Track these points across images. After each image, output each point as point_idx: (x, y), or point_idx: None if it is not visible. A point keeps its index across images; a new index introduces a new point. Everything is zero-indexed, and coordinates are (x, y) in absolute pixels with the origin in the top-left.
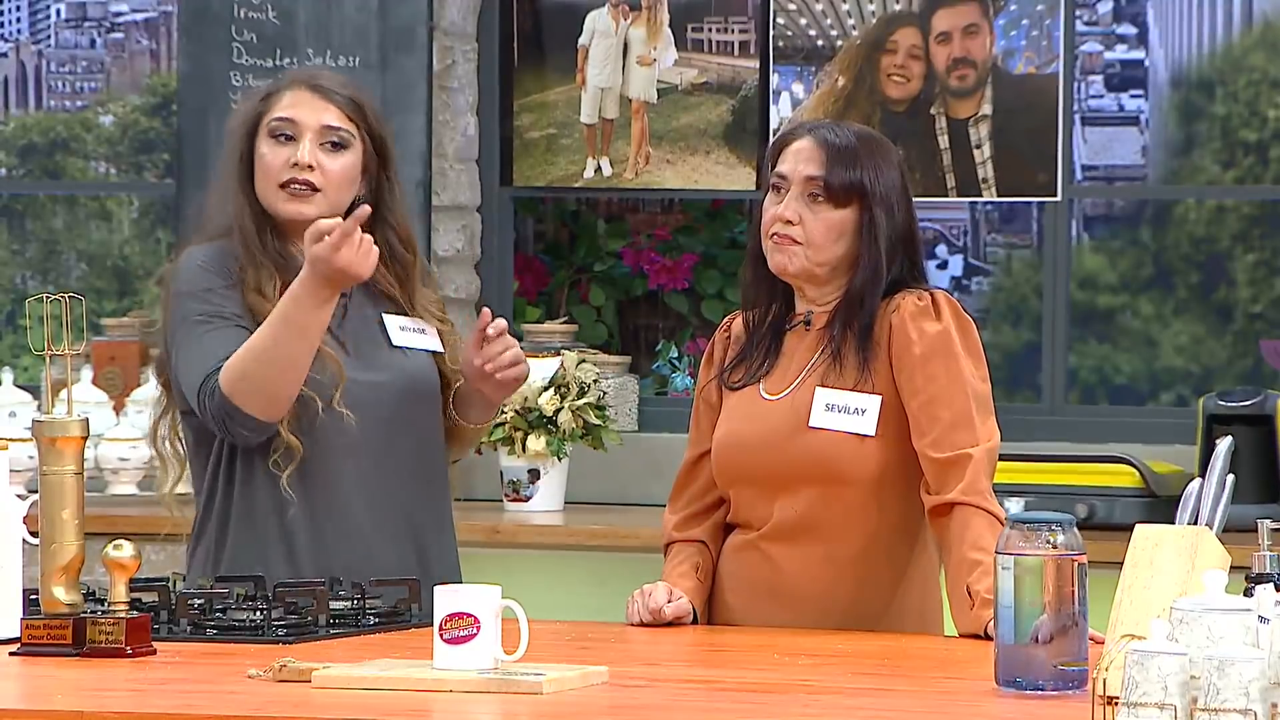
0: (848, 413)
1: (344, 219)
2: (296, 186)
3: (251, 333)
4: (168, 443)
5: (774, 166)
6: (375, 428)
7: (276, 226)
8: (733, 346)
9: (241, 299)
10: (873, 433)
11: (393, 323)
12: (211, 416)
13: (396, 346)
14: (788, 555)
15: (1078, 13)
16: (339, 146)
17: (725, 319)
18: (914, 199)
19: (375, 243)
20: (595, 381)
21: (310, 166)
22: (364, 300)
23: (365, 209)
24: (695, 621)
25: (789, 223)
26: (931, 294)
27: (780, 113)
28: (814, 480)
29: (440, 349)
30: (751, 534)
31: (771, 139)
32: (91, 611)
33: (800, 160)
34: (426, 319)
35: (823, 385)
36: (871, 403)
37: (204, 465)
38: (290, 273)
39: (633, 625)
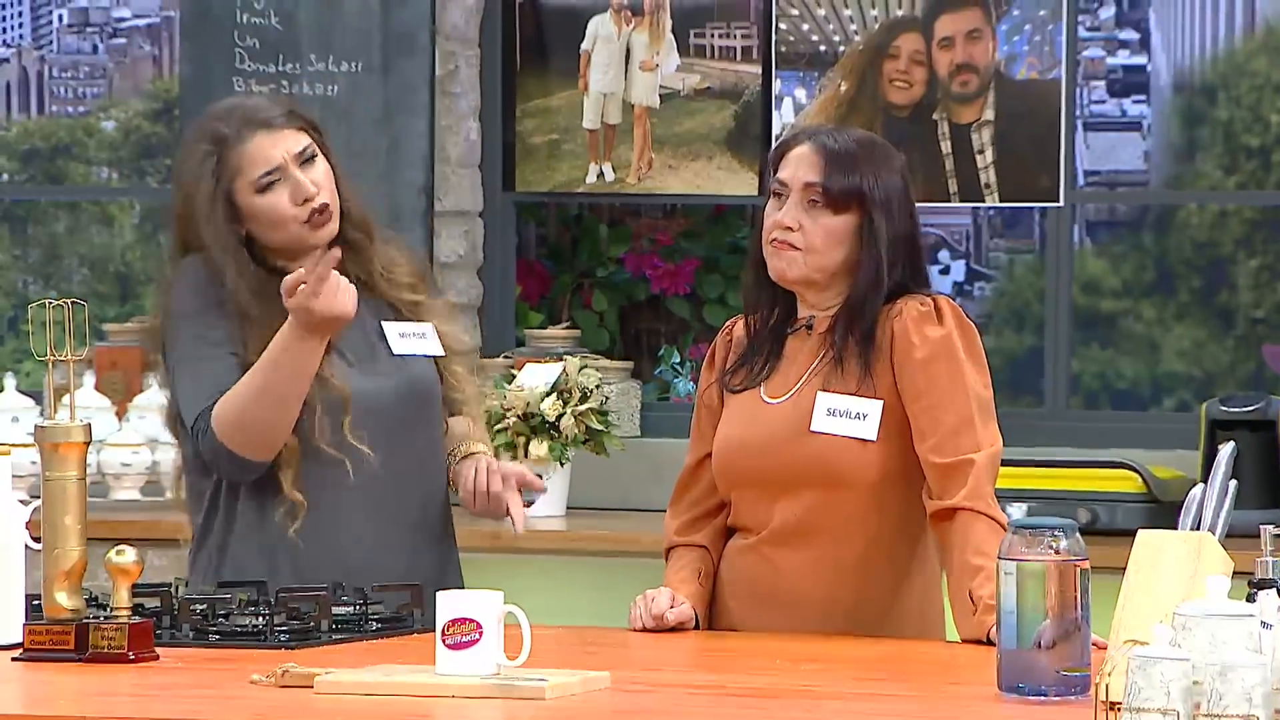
0: (849, 417)
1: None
2: (316, 215)
3: (241, 360)
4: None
5: (775, 173)
6: (376, 434)
7: (271, 272)
8: (734, 350)
9: (233, 319)
10: (874, 437)
11: (392, 330)
12: (204, 455)
13: (397, 355)
14: (788, 559)
15: (1080, 18)
16: (311, 159)
17: (727, 323)
18: (917, 204)
19: (343, 232)
20: (597, 387)
21: (317, 192)
22: (363, 309)
23: (335, 252)
24: (698, 626)
25: (788, 229)
26: (934, 299)
27: (783, 118)
28: (815, 484)
29: (440, 352)
30: (752, 538)
31: (774, 144)
32: (94, 617)
33: (800, 166)
34: (420, 311)
35: (824, 390)
36: (873, 407)
37: (206, 473)
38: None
39: (635, 631)
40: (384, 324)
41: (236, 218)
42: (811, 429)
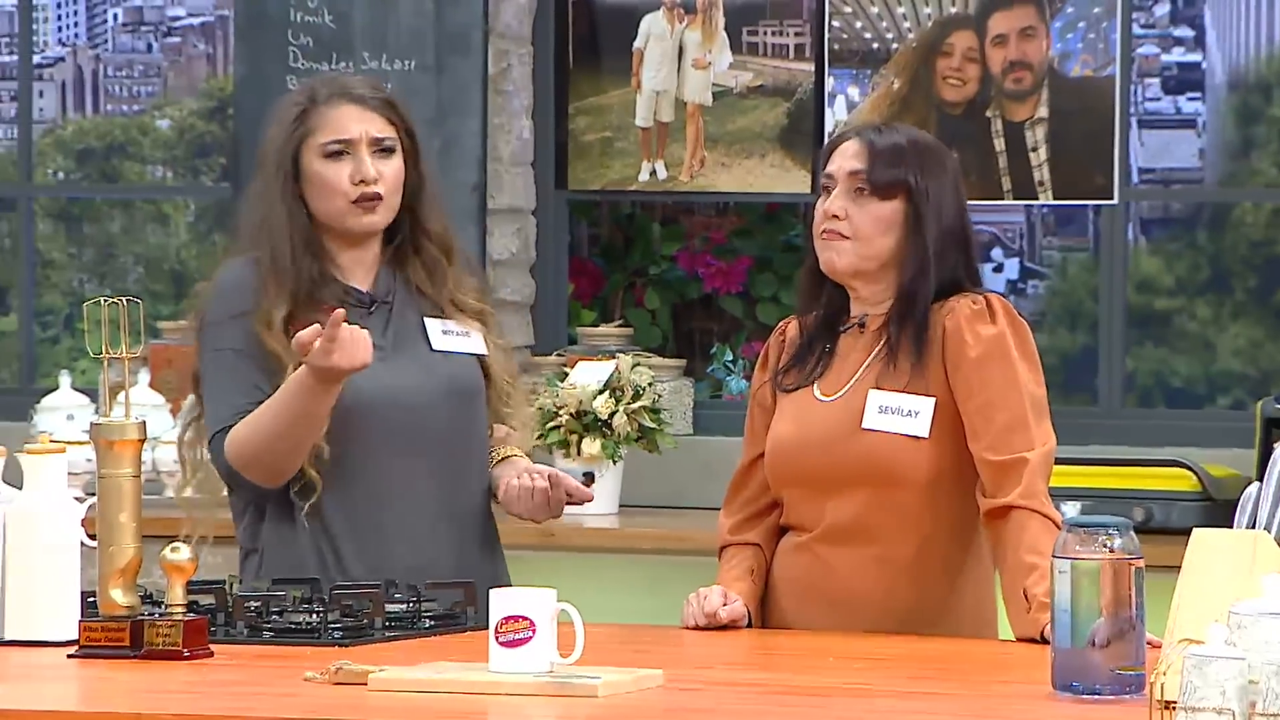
0: (901, 414)
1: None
2: (366, 201)
3: (259, 374)
4: (192, 448)
5: (824, 171)
6: (418, 433)
7: (318, 242)
8: (787, 350)
9: (254, 328)
10: (926, 434)
11: (434, 326)
12: (218, 471)
13: (437, 350)
14: (840, 557)
15: (1135, 15)
16: (388, 152)
17: (781, 322)
18: (970, 202)
19: (409, 241)
20: (650, 385)
21: (376, 179)
22: (406, 303)
23: (340, 312)
24: (750, 625)
25: (835, 217)
26: (986, 297)
27: (835, 115)
28: (867, 482)
29: (483, 351)
30: (804, 536)
31: (826, 142)
32: (149, 614)
33: (846, 158)
34: (467, 318)
35: (877, 387)
36: (925, 405)
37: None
38: (315, 294)
39: (688, 629)
40: (426, 320)
41: (297, 176)
42: (863, 426)
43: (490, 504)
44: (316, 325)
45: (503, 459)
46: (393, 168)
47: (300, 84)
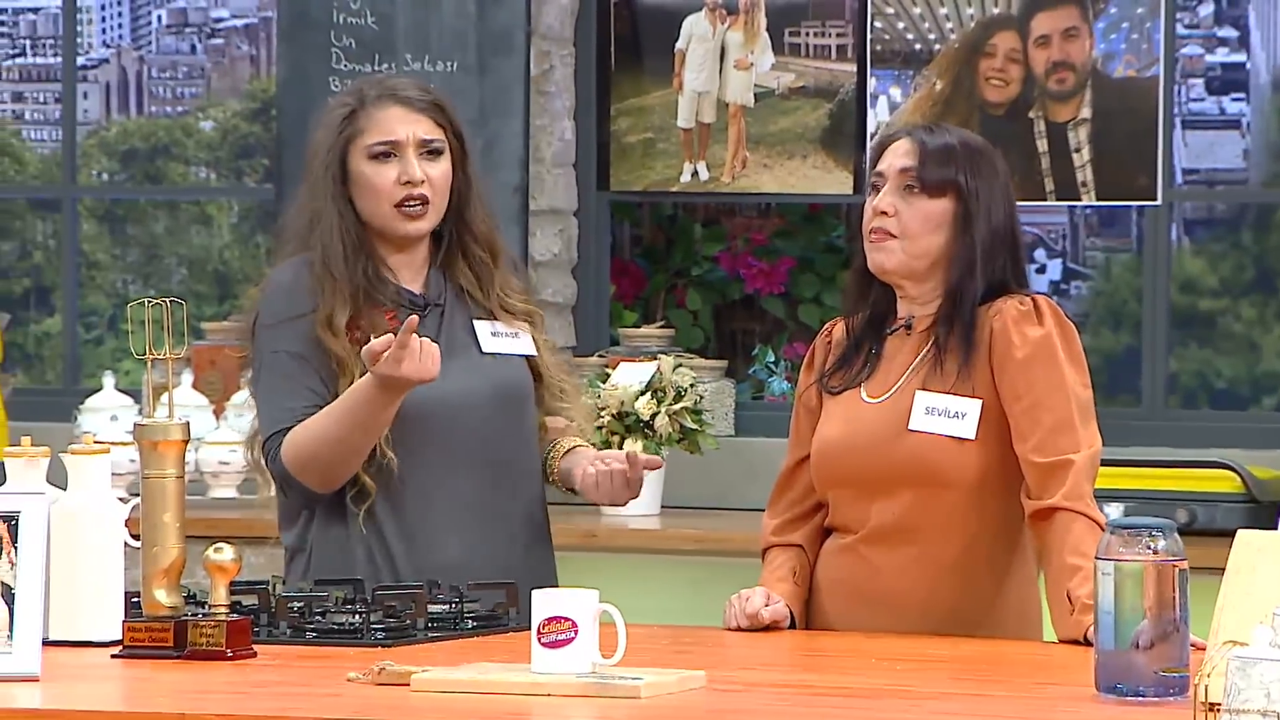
0: (948, 416)
1: (395, 333)
2: (411, 204)
3: (317, 377)
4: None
5: (873, 170)
6: (467, 435)
7: (368, 243)
8: (834, 352)
9: (312, 330)
10: (973, 436)
11: (484, 329)
12: (271, 475)
13: (487, 353)
14: (886, 559)
15: (1178, 15)
16: (436, 154)
17: (827, 325)
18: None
19: (456, 244)
20: (692, 386)
21: (422, 181)
22: (455, 306)
23: (414, 319)
24: (793, 626)
25: (884, 214)
26: (1034, 298)
27: (877, 116)
28: (913, 483)
29: (532, 352)
30: (850, 538)
31: (869, 143)
32: (192, 614)
33: (896, 156)
34: (515, 319)
35: (923, 388)
36: (972, 406)
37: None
38: (371, 295)
39: (730, 630)
40: (476, 322)
41: (345, 177)
42: (910, 428)
43: (543, 505)
44: (389, 335)
45: (569, 450)
46: (440, 170)
47: (344, 85)
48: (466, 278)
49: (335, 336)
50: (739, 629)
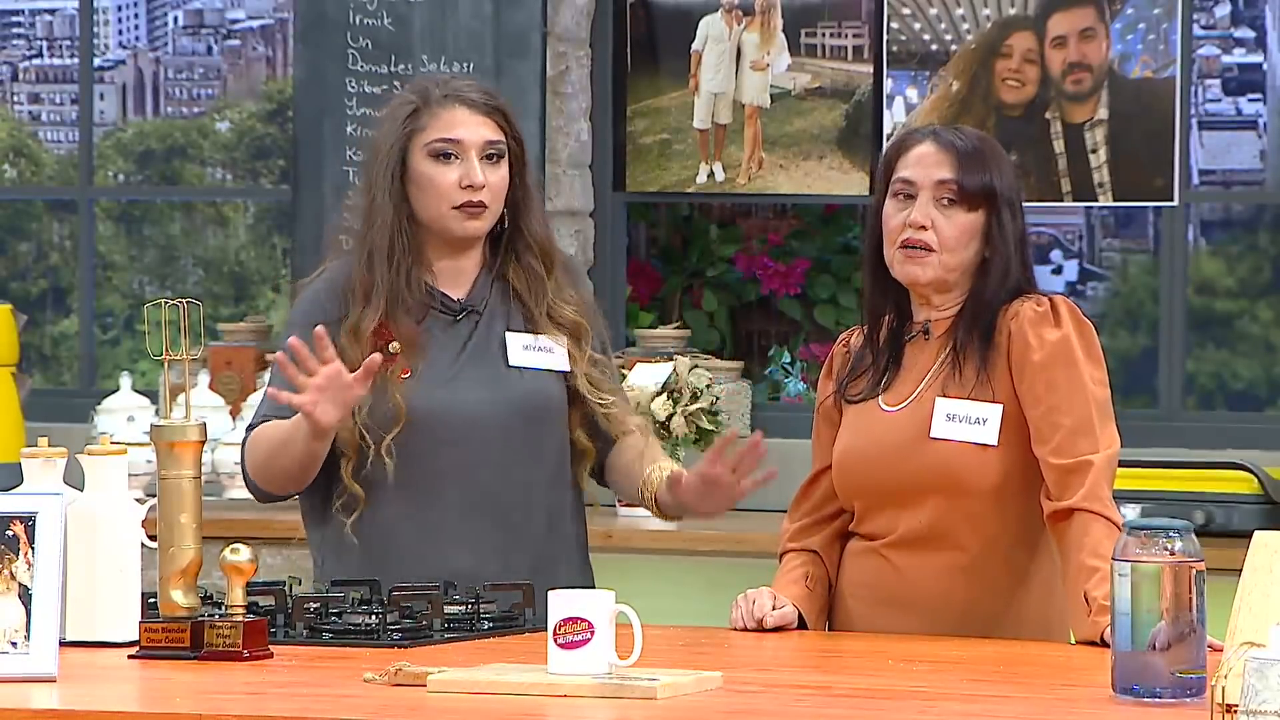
0: (969, 422)
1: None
2: (470, 207)
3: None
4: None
5: (892, 173)
6: (481, 449)
7: (418, 244)
8: (851, 360)
9: (336, 338)
10: (995, 442)
11: (515, 341)
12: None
13: (513, 366)
14: (911, 562)
15: (1195, 16)
16: (497, 158)
17: (844, 334)
18: (1030, 203)
19: (510, 249)
20: (708, 387)
21: (483, 185)
22: (496, 313)
23: (374, 359)
24: (801, 628)
25: (921, 228)
26: (1051, 299)
27: (894, 117)
28: (937, 491)
29: (565, 367)
30: (874, 542)
31: (885, 144)
32: (209, 615)
33: (927, 165)
34: (557, 332)
35: (943, 395)
36: (993, 411)
37: (326, 481)
38: (403, 298)
39: (736, 630)
40: (509, 334)
41: (405, 175)
42: (932, 436)
43: (568, 521)
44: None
45: (665, 478)
46: (500, 175)
47: (360, 86)
48: (519, 283)
49: (358, 343)
50: (744, 629)
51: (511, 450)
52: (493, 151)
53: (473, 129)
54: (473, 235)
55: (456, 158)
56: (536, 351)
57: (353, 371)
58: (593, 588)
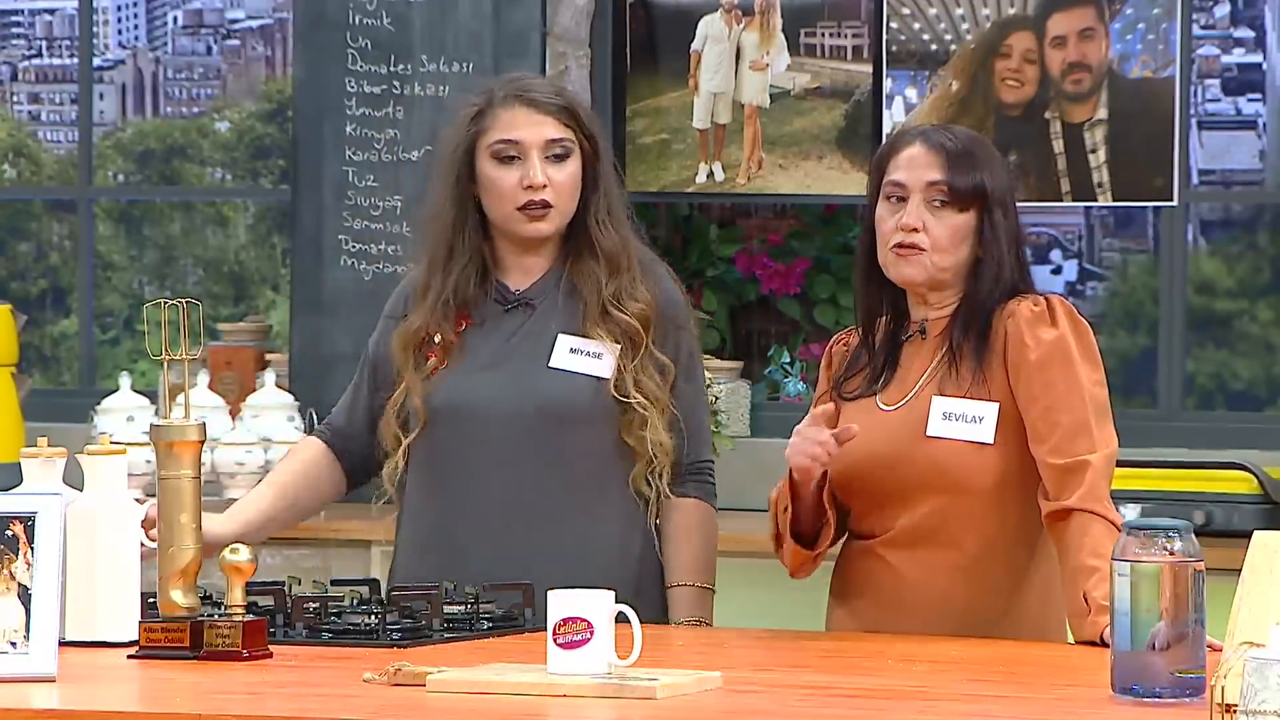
0: (966, 421)
1: None
2: (533, 208)
3: (371, 380)
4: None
5: (884, 175)
6: (506, 450)
7: (483, 243)
8: (848, 359)
9: (389, 334)
10: (991, 440)
11: (564, 343)
12: None
13: (552, 367)
14: (907, 561)
15: (1195, 16)
16: (562, 157)
17: (841, 333)
18: (1029, 203)
19: (573, 249)
20: (708, 386)
21: (544, 185)
22: (552, 310)
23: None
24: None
25: (914, 230)
26: (1047, 299)
27: (893, 117)
28: (934, 490)
29: (605, 374)
30: (870, 541)
31: (883, 146)
32: (209, 615)
33: (917, 167)
34: (609, 337)
35: (940, 394)
36: (989, 410)
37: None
38: (466, 294)
39: (803, 468)
40: (560, 335)
41: (471, 176)
42: (928, 434)
43: (609, 525)
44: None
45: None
46: (566, 173)
47: (360, 86)
48: (579, 284)
49: (403, 349)
50: (812, 463)
51: (535, 453)
52: (558, 150)
53: (533, 128)
54: (537, 235)
55: (518, 158)
56: (584, 356)
57: (398, 372)
58: (642, 597)
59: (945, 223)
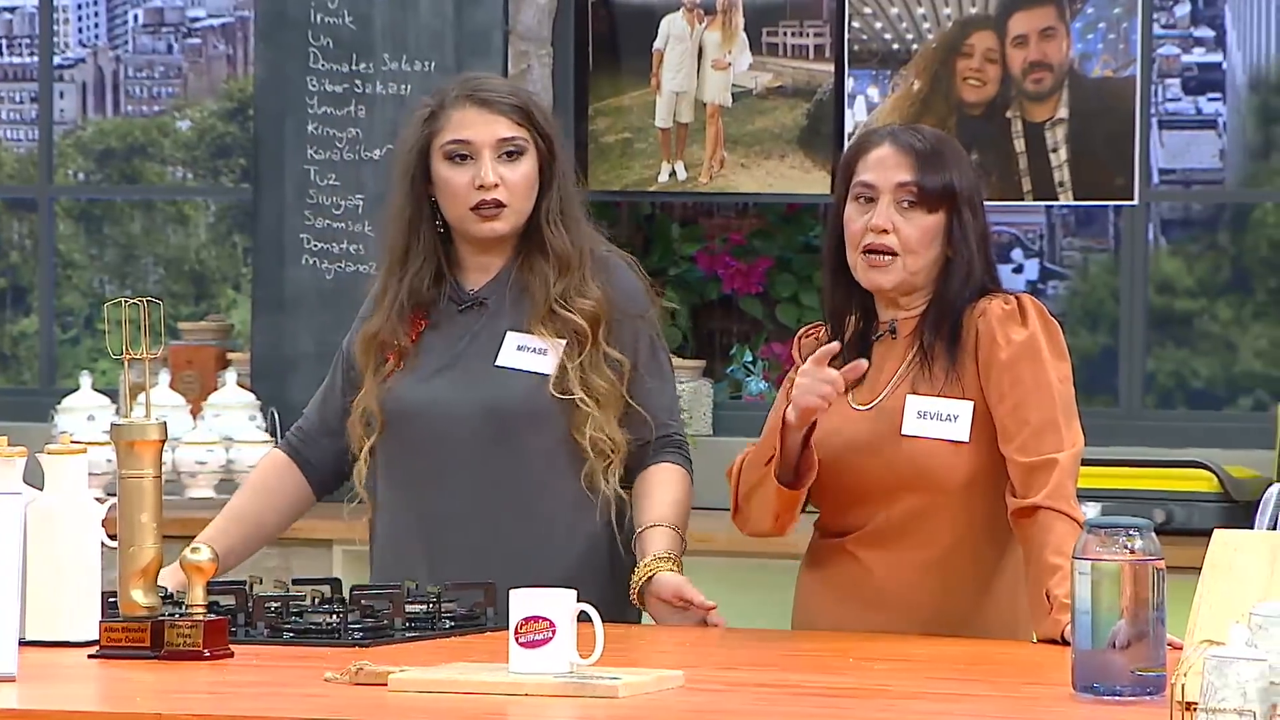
0: (940, 419)
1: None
2: (486, 208)
3: (342, 380)
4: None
5: (852, 175)
6: (461, 450)
7: (438, 244)
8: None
9: (356, 335)
10: (966, 439)
11: (512, 341)
12: None
13: (499, 366)
14: (879, 559)
15: (1155, 16)
16: (515, 155)
17: (808, 326)
18: (991, 202)
19: (524, 247)
20: None
21: (495, 184)
22: (502, 309)
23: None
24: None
25: (884, 231)
26: (1018, 298)
27: (855, 116)
28: (910, 488)
29: (549, 370)
30: (843, 539)
31: (847, 143)
32: (169, 614)
33: (887, 167)
34: (552, 334)
35: (913, 393)
36: (964, 408)
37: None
38: (423, 297)
39: (806, 411)
40: (509, 333)
41: (426, 177)
42: (903, 433)
43: (582, 529)
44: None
45: (645, 581)
46: (519, 172)
47: (321, 85)
48: (528, 282)
49: (364, 353)
50: (820, 400)
51: (488, 452)
52: (510, 149)
53: (484, 128)
54: (491, 235)
55: (471, 158)
56: (530, 353)
57: (360, 374)
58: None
59: (915, 223)
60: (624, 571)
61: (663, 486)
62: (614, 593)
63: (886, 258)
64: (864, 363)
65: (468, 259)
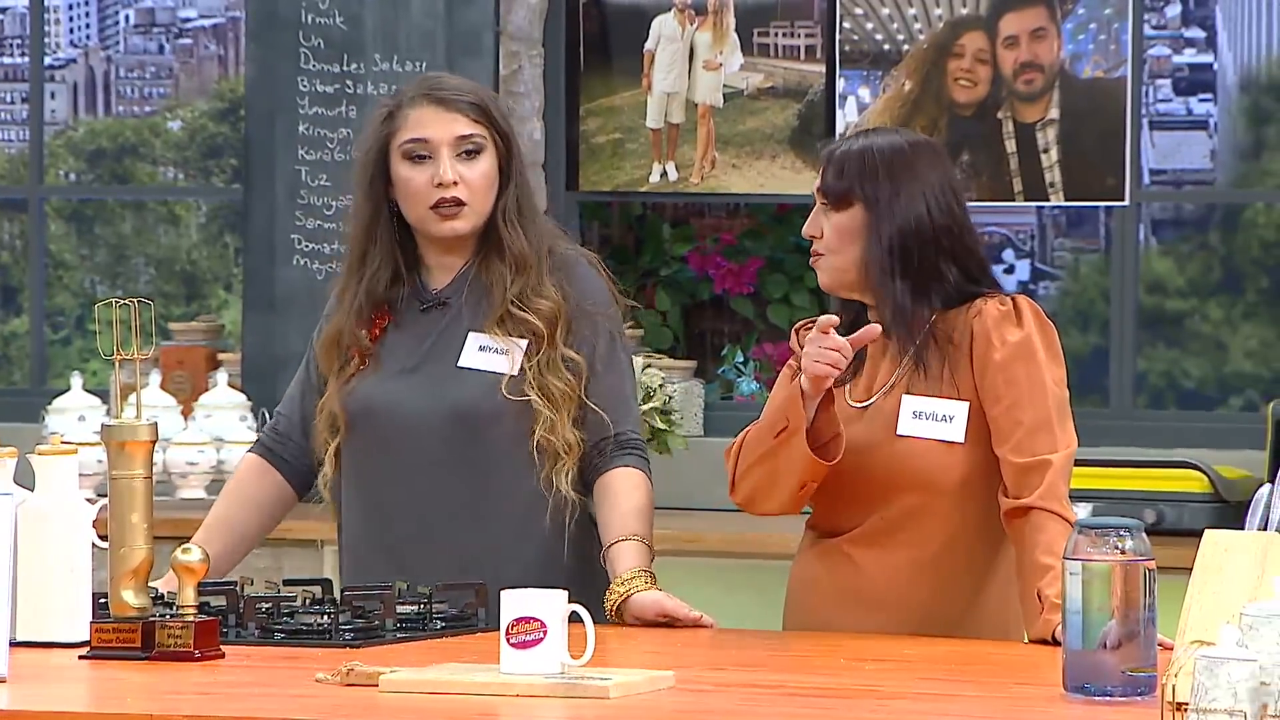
0: (935, 419)
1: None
2: (445, 206)
3: (308, 379)
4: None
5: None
6: (424, 451)
7: (399, 244)
8: None
9: (319, 334)
10: (962, 439)
11: (474, 342)
12: None
13: (461, 367)
14: (872, 559)
15: (1146, 16)
16: (474, 153)
17: (807, 320)
18: (981, 203)
19: (484, 246)
20: (661, 386)
21: (454, 183)
22: (464, 310)
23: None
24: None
25: (814, 237)
26: (1014, 299)
27: (846, 117)
28: (905, 488)
29: (510, 371)
30: (836, 538)
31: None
32: (160, 615)
33: (821, 174)
34: (513, 335)
35: (909, 393)
36: (959, 409)
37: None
38: (382, 295)
39: (817, 379)
40: (471, 333)
41: (386, 178)
42: (898, 433)
43: (551, 531)
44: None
45: (622, 598)
46: (478, 170)
47: (312, 85)
48: (487, 282)
49: (325, 354)
50: (828, 372)
51: (451, 453)
52: (469, 147)
53: (442, 126)
54: (451, 234)
55: (429, 157)
56: (492, 353)
57: (322, 371)
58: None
59: (831, 223)
60: (578, 573)
61: (625, 494)
62: (573, 594)
63: (819, 258)
64: (876, 327)
65: (430, 259)
